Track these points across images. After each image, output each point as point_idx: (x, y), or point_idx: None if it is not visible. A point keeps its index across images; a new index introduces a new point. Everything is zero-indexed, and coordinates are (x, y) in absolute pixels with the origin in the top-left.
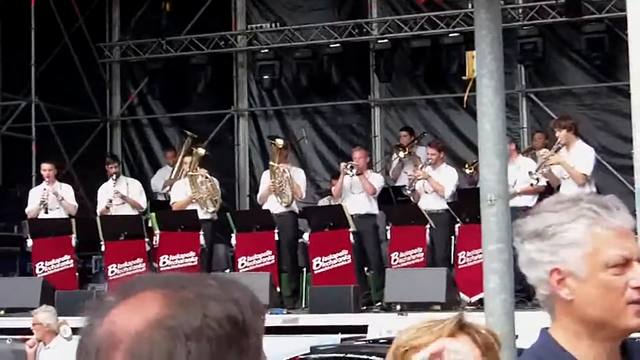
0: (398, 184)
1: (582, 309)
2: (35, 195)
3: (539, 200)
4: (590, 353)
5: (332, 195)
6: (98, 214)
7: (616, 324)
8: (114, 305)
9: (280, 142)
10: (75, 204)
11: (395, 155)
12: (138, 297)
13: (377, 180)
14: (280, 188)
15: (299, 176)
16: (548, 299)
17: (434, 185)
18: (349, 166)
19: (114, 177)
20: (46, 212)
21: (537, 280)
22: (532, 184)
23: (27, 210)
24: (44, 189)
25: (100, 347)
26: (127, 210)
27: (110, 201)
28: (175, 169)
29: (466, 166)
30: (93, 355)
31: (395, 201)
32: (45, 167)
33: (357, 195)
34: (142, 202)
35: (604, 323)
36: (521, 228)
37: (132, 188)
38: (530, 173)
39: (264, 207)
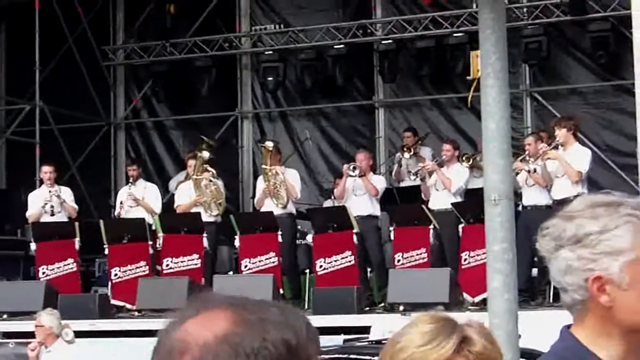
0: (403, 184)
1: (622, 316)
2: (35, 199)
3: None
4: (618, 354)
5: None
6: (116, 215)
7: None
8: (191, 316)
9: (269, 144)
10: (75, 206)
11: (399, 156)
12: (211, 313)
13: (379, 182)
14: (275, 190)
15: (293, 176)
16: (581, 303)
17: (442, 178)
18: (351, 167)
19: (132, 179)
20: (52, 215)
21: (573, 286)
22: (529, 171)
23: (28, 214)
24: (49, 192)
25: (173, 350)
26: (140, 214)
27: (122, 203)
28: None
29: (463, 158)
30: (165, 356)
31: (399, 202)
32: (47, 169)
33: (359, 197)
34: (157, 207)
35: None
36: (555, 233)
37: (149, 192)
38: (526, 162)
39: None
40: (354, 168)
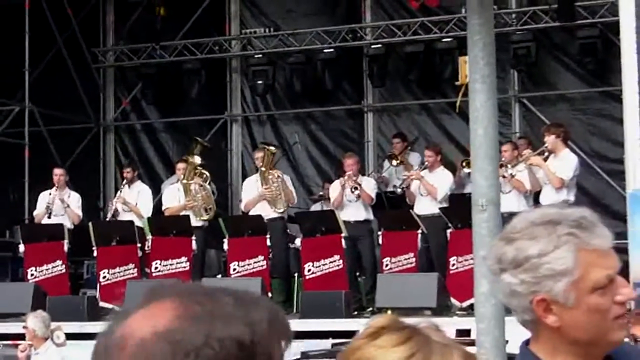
0: (389, 188)
1: (572, 333)
2: (43, 200)
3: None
4: None
5: (324, 200)
6: (110, 217)
7: (604, 341)
8: (136, 310)
9: (273, 148)
10: (80, 213)
11: (387, 164)
12: (156, 306)
13: (371, 188)
14: (277, 194)
15: (289, 182)
16: (531, 323)
17: (427, 186)
18: (352, 189)
19: (126, 182)
20: (49, 217)
21: (519, 308)
22: (504, 176)
23: (34, 213)
24: (49, 194)
25: (109, 347)
26: (131, 217)
27: (111, 205)
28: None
29: (464, 164)
30: (103, 354)
31: (387, 206)
32: (57, 172)
33: (353, 203)
34: (146, 211)
35: (593, 342)
36: (497, 256)
37: (142, 195)
38: (505, 167)
39: (252, 214)
40: (355, 188)
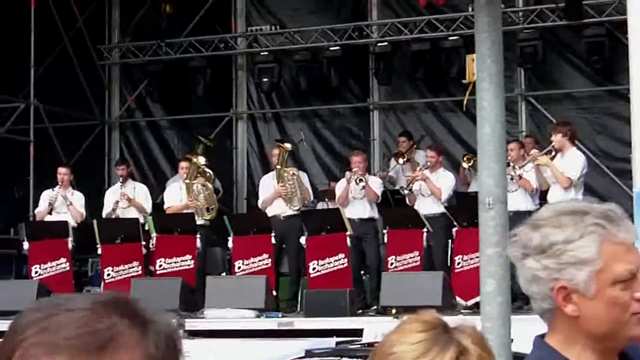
0: (396, 187)
1: (589, 325)
2: (46, 198)
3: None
4: None
5: (329, 199)
6: (104, 216)
7: (621, 336)
8: None
9: (288, 145)
10: (83, 212)
11: (394, 162)
12: None
13: (377, 186)
14: (292, 191)
15: (305, 179)
16: (549, 312)
17: (431, 187)
18: (357, 179)
19: (121, 179)
20: (50, 213)
21: (539, 295)
22: (512, 177)
23: (36, 211)
24: (55, 195)
25: None
26: (132, 214)
27: (117, 203)
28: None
29: (465, 159)
30: None
31: (393, 204)
32: (62, 171)
33: (359, 200)
34: (148, 206)
35: (609, 336)
36: (522, 242)
37: (139, 192)
38: (513, 168)
39: (268, 212)
40: (360, 180)
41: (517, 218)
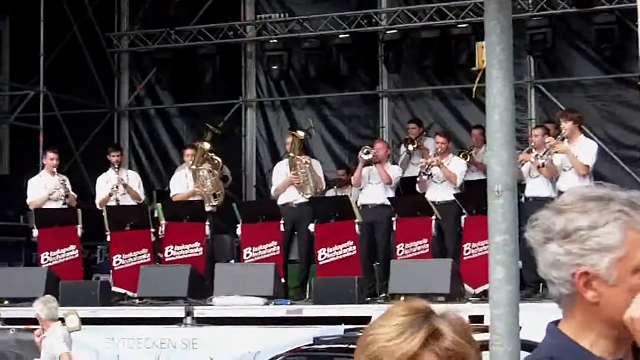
0: (406, 175)
1: (608, 312)
2: (37, 186)
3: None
4: (607, 349)
5: (338, 186)
6: (98, 204)
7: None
8: None
9: (301, 133)
10: (141, 192)
11: (404, 148)
12: None
13: (394, 172)
14: (305, 179)
15: (319, 167)
16: (568, 298)
17: (447, 173)
18: (365, 150)
19: (117, 167)
20: (57, 202)
21: (559, 280)
22: (538, 166)
23: (30, 200)
24: (55, 183)
25: None
26: (127, 201)
27: (116, 188)
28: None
29: (461, 156)
30: None
31: (402, 193)
32: (53, 156)
33: (374, 186)
34: (141, 193)
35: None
36: (544, 226)
37: (132, 180)
38: (537, 156)
39: (280, 199)
40: (367, 152)
41: (537, 204)
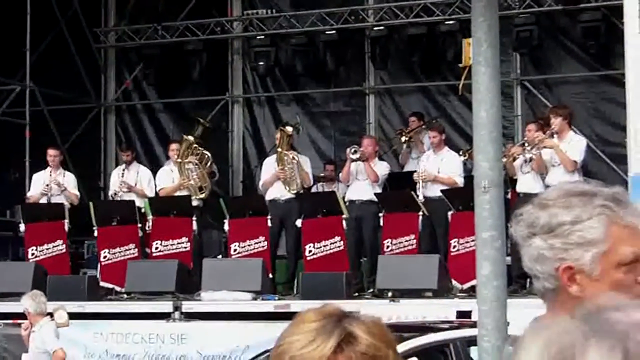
0: (406, 169)
1: None
2: (38, 180)
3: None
4: None
5: (325, 182)
6: (110, 197)
7: None
8: None
9: (289, 129)
10: (78, 193)
11: (397, 143)
12: None
13: (381, 168)
14: (291, 175)
15: (307, 163)
16: (552, 292)
17: (445, 182)
18: (352, 149)
19: (126, 164)
20: (49, 201)
21: (543, 274)
22: (525, 160)
23: (29, 194)
24: (49, 181)
25: None
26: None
27: (121, 184)
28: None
29: (460, 153)
30: None
31: (389, 188)
32: (52, 152)
33: (361, 182)
34: (149, 190)
35: None
36: (528, 221)
37: (142, 176)
38: (524, 150)
39: (268, 194)
40: (355, 151)
41: (526, 200)
